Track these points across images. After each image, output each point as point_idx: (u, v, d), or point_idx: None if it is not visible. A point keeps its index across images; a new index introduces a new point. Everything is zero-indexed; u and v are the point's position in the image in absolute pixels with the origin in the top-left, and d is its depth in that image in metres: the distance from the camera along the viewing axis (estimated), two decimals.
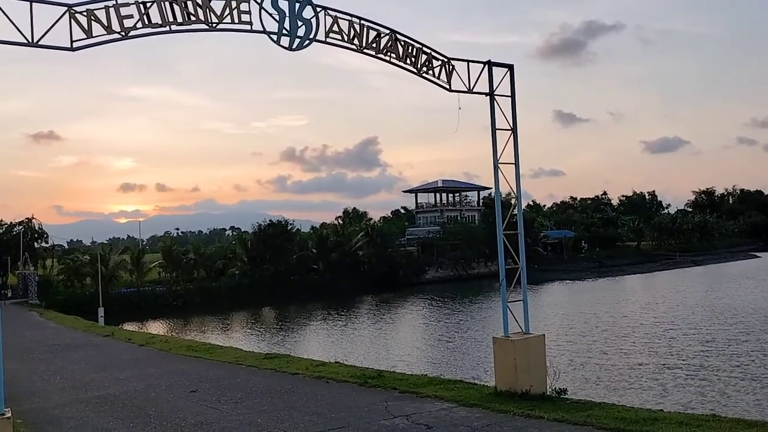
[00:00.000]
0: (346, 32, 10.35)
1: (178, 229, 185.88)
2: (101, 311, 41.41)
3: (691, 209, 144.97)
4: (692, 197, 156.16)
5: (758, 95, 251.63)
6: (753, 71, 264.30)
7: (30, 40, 7.96)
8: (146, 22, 8.74)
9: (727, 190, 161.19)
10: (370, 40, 10.65)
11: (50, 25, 8.07)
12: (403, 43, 11.04)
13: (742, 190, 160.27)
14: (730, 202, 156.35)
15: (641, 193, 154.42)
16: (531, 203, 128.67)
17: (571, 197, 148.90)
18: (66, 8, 8.21)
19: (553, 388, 11.42)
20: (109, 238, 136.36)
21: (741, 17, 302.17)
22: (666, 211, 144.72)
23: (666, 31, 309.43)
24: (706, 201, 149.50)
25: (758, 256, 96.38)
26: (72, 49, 8.33)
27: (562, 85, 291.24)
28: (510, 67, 12.11)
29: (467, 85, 11.75)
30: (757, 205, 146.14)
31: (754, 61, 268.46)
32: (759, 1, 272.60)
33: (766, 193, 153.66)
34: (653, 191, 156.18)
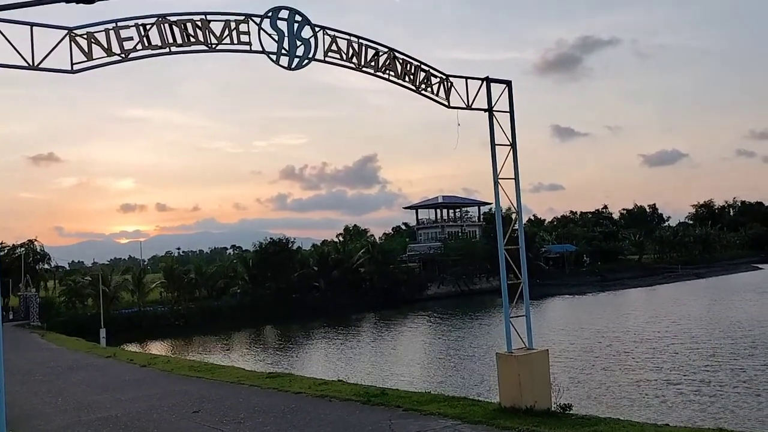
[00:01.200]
0: (345, 51, 10.44)
1: (179, 248, 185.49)
2: (103, 332, 41.26)
3: (692, 222, 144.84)
4: (692, 210, 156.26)
5: (756, 107, 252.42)
6: (750, 83, 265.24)
7: (31, 64, 8.03)
8: (146, 44, 8.83)
9: (727, 202, 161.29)
10: (368, 59, 10.73)
11: (51, 48, 8.16)
12: (401, 60, 11.12)
13: (742, 202, 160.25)
14: (731, 214, 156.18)
15: (642, 206, 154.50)
16: (531, 218, 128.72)
17: (572, 211, 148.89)
18: (66, 31, 8.29)
19: (558, 403, 11.35)
20: (111, 259, 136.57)
21: (738, 30, 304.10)
22: (667, 224, 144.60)
23: (662, 46, 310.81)
24: (706, 214, 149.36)
25: (761, 268, 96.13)
26: (73, 71, 8.40)
27: (559, 100, 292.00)
28: (508, 83, 12.18)
29: (466, 102, 11.82)
30: (758, 217, 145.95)
31: (751, 74, 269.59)
32: (756, 14, 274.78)
33: (766, 205, 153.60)
34: (654, 204, 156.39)
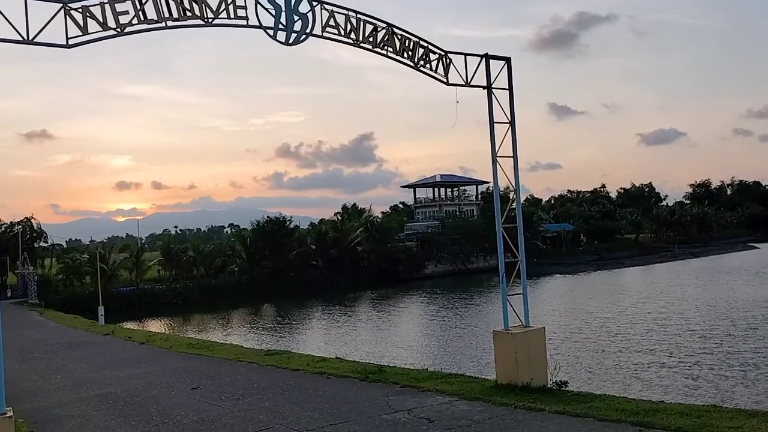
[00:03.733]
0: (343, 26, 10.32)
1: (176, 226, 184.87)
2: (101, 310, 41.38)
3: (689, 201, 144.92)
4: (689, 189, 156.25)
5: (753, 86, 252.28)
6: (748, 62, 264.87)
7: (25, 38, 7.92)
8: (142, 18, 8.71)
9: (724, 181, 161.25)
10: (366, 34, 10.61)
11: (45, 22, 8.04)
12: (400, 36, 11.00)
13: (740, 182, 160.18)
14: (729, 193, 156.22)
15: (640, 185, 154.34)
16: (529, 197, 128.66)
17: (569, 190, 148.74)
18: (61, 5, 8.16)
19: (554, 380, 11.42)
20: (108, 237, 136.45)
21: (735, 8, 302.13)
22: (664, 203, 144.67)
23: (660, 23, 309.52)
24: (704, 193, 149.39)
25: (757, 247, 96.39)
26: (67, 46, 8.29)
27: (555, 77, 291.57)
28: (507, 60, 12.07)
29: (465, 79, 11.70)
30: (755, 197, 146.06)
31: (749, 52, 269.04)
32: None
33: (764, 185, 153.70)
34: (650, 183, 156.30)
